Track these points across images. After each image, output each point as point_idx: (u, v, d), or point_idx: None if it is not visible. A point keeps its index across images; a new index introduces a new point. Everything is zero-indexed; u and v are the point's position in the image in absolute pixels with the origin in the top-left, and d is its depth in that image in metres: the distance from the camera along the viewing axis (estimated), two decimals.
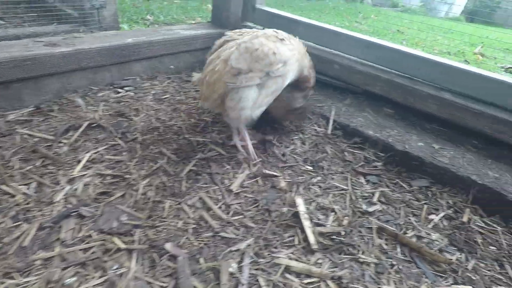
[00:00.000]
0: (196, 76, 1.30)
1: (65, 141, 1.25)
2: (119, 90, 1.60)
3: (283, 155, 1.32)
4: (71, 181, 1.10)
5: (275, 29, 1.24)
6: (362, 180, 1.26)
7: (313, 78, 1.37)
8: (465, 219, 1.11)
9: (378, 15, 6.96)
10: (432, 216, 1.11)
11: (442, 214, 1.12)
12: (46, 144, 1.21)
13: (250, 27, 1.77)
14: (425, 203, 1.17)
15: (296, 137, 1.45)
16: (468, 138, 1.45)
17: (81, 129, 1.29)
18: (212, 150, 1.29)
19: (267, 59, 1.11)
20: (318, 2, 7.15)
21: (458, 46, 4.70)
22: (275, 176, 1.21)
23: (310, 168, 1.28)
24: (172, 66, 1.83)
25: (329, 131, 1.48)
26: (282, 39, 1.18)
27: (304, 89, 1.38)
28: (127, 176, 1.14)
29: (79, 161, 1.17)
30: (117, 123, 1.37)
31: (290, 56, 1.17)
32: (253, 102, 1.15)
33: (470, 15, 10.53)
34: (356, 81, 1.66)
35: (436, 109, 1.45)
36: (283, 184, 1.17)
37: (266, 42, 1.13)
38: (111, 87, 1.62)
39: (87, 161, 1.19)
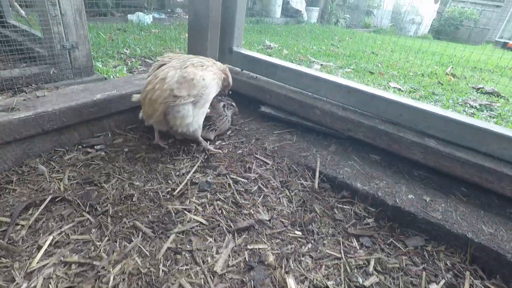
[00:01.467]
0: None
1: (23, 222, 1.10)
2: (89, 150, 1.47)
3: (270, 220, 1.23)
4: (28, 275, 0.95)
5: (200, 57, 1.49)
6: (355, 243, 1.18)
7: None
8: (466, 286, 1.05)
9: (353, 37, 7.21)
10: (432, 286, 1.04)
11: (442, 282, 1.05)
12: (0, 230, 1.06)
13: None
14: (423, 268, 1.10)
15: (283, 195, 1.36)
16: (457, 185, 1.42)
17: (42, 206, 1.15)
18: (192, 221, 1.18)
19: (199, 85, 1.37)
20: (294, 26, 7.33)
21: (430, 67, 4.89)
22: (262, 248, 1.11)
23: (299, 233, 1.19)
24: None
25: (316, 186, 1.41)
26: (206, 67, 1.46)
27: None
28: (96, 262, 1.00)
29: (39, 248, 1.03)
30: (85, 193, 1.24)
31: (212, 79, 1.46)
32: (193, 116, 1.41)
33: (437, 33, 11.20)
34: (339, 127, 1.62)
35: (422, 157, 1.42)
36: (271, 258, 1.07)
37: (196, 71, 1.39)
38: (80, 147, 1.49)
39: (50, 245, 1.04)
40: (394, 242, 1.21)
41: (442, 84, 3.75)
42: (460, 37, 11.12)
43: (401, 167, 1.53)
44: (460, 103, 3.02)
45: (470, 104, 2.99)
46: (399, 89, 3.22)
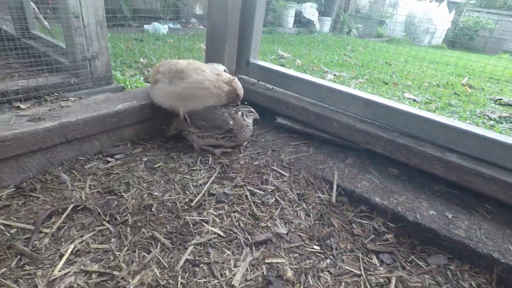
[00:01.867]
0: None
1: (46, 230, 1.12)
2: (109, 159, 1.50)
3: (287, 233, 1.22)
4: (51, 283, 0.96)
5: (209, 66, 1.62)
6: (375, 260, 1.16)
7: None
8: None
9: (365, 47, 7.20)
10: None
11: None
12: (24, 237, 1.09)
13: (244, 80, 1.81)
14: None
15: (300, 208, 1.35)
16: (480, 201, 1.37)
17: (64, 215, 1.18)
18: (210, 232, 1.18)
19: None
20: (306, 36, 7.37)
21: (445, 77, 4.82)
22: (280, 262, 1.10)
23: (318, 248, 1.17)
24: (164, 126, 1.76)
25: (333, 199, 1.39)
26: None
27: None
28: (116, 272, 1.01)
29: (61, 256, 1.05)
30: (106, 202, 1.26)
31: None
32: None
33: (451, 43, 11.06)
34: (357, 139, 1.60)
35: (443, 172, 1.39)
36: (289, 273, 1.05)
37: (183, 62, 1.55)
38: (100, 155, 1.52)
39: (71, 253, 1.06)
40: (415, 259, 1.17)
41: (459, 95, 3.68)
42: (476, 46, 10.95)
43: (421, 181, 1.50)
44: (478, 115, 2.95)
45: (488, 116, 2.93)
46: (414, 100, 3.18)
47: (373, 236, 1.26)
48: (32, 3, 2.91)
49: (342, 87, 1.71)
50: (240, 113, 1.65)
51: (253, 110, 1.70)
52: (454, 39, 11.10)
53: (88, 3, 1.92)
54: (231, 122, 1.58)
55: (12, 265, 1.00)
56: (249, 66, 1.99)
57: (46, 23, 3.43)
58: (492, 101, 3.62)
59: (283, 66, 3.87)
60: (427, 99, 3.30)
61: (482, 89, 4.29)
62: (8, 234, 1.09)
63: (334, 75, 3.80)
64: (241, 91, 1.66)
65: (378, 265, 1.14)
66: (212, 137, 1.60)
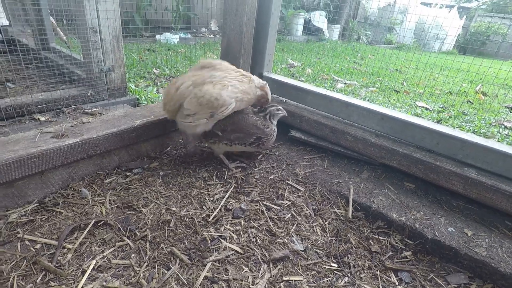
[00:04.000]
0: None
1: (69, 246, 1.15)
2: (127, 173, 1.54)
3: (304, 250, 1.22)
4: None
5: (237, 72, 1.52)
6: (393, 278, 1.15)
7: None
8: None
9: (375, 54, 7.17)
10: None
11: None
12: (48, 252, 1.12)
13: None
14: None
15: (316, 223, 1.35)
16: (500, 218, 1.35)
17: (86, 230, 1.21)
18: (228, 249, 1.19)
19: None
20: (316, 44, 7.40)
21: (457, 84, 4.75)
22: (298, 280, 1.10)
23: (335, 265, 1.17)
24: (181, 140, 1.79)
25: (349, 215, 1.39)
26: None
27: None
28: None
29: (83, 272, 1.07)
30: (125, 218, 1.28)
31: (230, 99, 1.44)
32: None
33: (462, 48, 10.91)
34: (372, 154, 1.60)
35: (462, 188, 1.37)
36: None
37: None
38: (119, 170, 1.55)
39: (93, 269, 1.09)
40: (435, 278, 1.16)
41: (472, 103, 3.62)
42: (488, 52, 10.78)
43: (439, 197, 1.48)
44: (493, 124, 2.90)
45: (504, 125, 2.87)
46: (427, 109, 3.15)
47: (390, 253, 1.25)
48: (50, 17, 3.02)
49: (357, 101, 1.71)
50: (268, 116, 1.63)
51: (280, 107, 1.67)
52: (465, 45, 10.96)
53: (105, 18, 1.99)
54: (262, 130, 1.57)
55: (37, 281, 1.03)
56: (263, 79, 2.01)
57: (64, 36, 3.55)
58: (507, 109, 3.55)
59: (293, 75, 3.89)
60: (440, 107, 3.27)
61: (496, 96, 4.22)
62: (33, 250, 1.12)
63: (345, 83, 3.80)
64: (270, 96, 1.65)
65: (397, 283, 1.13)
66: (240, 144, 1.57)
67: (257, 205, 1.40)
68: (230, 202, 1.41)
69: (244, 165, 1.65)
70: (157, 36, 5.48)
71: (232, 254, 1.18)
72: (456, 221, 1.33)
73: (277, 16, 1.86)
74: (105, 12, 1.99)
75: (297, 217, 1.37)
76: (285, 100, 1.97)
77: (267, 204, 1.42)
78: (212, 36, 6.62)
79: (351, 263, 1.19)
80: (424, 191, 1.52)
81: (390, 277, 1.15)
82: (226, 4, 1.77)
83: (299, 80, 3.64)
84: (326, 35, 8.00)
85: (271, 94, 1.66)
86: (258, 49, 1.93)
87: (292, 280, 1.10)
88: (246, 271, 1.12)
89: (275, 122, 1.66)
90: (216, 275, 1.09)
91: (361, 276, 1.15)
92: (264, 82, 1.62)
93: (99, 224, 1.24)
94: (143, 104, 2.38)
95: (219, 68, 1.50)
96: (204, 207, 1.38)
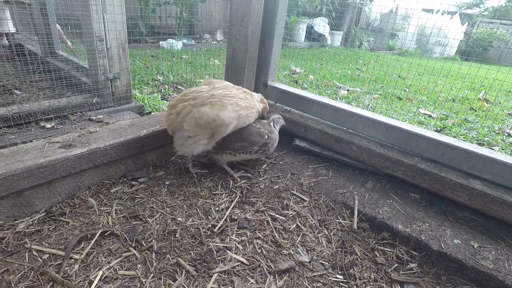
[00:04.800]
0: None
1: (76, 256, 1.16)
2: (133, 182, 1.55)
3: (310, 261, 1.22)
4: None
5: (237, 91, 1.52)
6: None
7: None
8: None
9: (377, 60, 7.19)
10: None
11: None
12: (55, 263, 1.13)
13: None
14: None
15: (321, 234, 1.35)
16: (507, 230, 1.35)
17: (93, 240, 1.21)
18: (233, 260, 1.20)
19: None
20: (318, 50, 7.44)
21: (460, 91, 4.75)
22: None
23: (341, 277, 1.17)
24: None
25: (355, 225, 1.39)
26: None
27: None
28: None
29: (90, 283, 1.07)
30: (132, 228, 1.29)
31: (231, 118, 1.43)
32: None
33: (464, 54, 10.92)
34: (377, 164, 1.60)
35: (468, 199, 1.37)
36: None
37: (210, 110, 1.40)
38: (125, 179, 1.56)
39: (100, 280, 1.09)
40: None
41: (475, 110, 3.62)
42: (490, 58, 10.79)
43: (444, 207, 1.48)
44: (496, 131, 2.90)
45: (507, 133, 2.86)
46: (430, 116, 3.15)
47: (396, 264, 1.25)
48: (57, 24, 3.06)
49: (362, 111, 1.72)
50: (272, 122, 1.67)
51: (281, 116, 1.74)
52: (468, 51, 10.97)
53: (111, 27, 2.01)
54: (266, 136, 1.59)
55: None
56: (267, 88, 2.03)
57: (70, 43, 3.59)
58: (511, 116, 3.54)
59: (296, 82, 3.91)
60: (443, 114, 3.27)
61: (499, 103, 4.22)
62: (41, 260, 1.13)
63: (348, 90, 3.81)
64: (267, 105, 1.71)
65: None
66: (245, 153, 1.59)
67: (262, 215, 1.41)
68: (236, 212, 1.41)
69: (249, 175, 1.66)
70: (161, 42, 5.53)
71: (238, 266, 1.18)
72: (462, 233, 1.32)
73: (281, 26, 1.88)
74: (112, 22, 2.02)
75: (302, 227, 1.37)
76: (290, 109, 1.98)
77: (272, 214, 1.42)
78: (215, 42, 6.67)
79: (356, 275, 1.18)
80: (429, 202, 1.51)
81: None
82: (232, 15, 1.79)
83: (302, 87, 3.66)
84: (328, 41, 8.04)
85: (275, 103, 1.69)
86: (263, 58, 1.95)
87: None
88: (252, 282, 1.12)
89: (278, 129, 1.71)
90: (222, 287, 1.09)
91: None
92: (260, 94, 1.68)
93: (105, 234, 1.25)
94: (147, 111, 2.40)
95: (219, 87, 1.51)
96: (209, 217, 1.39)
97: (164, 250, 1.22)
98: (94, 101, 2.24)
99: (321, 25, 7.84)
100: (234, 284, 1.11)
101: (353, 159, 1.69)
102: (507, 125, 3.11)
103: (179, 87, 3.32)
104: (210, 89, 1.48)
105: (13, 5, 3.22)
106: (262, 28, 1.84)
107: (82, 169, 1.38)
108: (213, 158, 1.67)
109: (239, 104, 1.47)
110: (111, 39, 2.13)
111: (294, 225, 1.38)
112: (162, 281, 1.11)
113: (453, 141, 1.46)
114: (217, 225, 1.33)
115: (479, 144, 2.33)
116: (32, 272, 1.09)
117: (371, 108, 3.02)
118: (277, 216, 1.41)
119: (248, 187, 1.58)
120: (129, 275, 1.12)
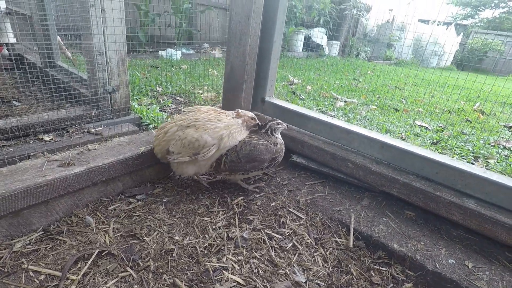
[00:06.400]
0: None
1: (73, 277, 1.16)
2: (131, 200, 1.55)
3: (306, 282, 1.23)
4: None
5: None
6: None
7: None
8: None
9: (374, 71, 7.28)
10: None
11: None
12: (52, 284, 1.13)
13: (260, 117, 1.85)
14: None
15: (317, 253, 1.36)
16: (501, 249, 1.36)
17: (90, 260, 1.22)
18: (230, 280, 1.20)
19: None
20: (316, 60, 7.53)
21: (456, 102, 4.81)
22: None
23: None
24: None
25: (351, 244, 1.40)
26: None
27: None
28: None
29: None
30: (129, 247, 1.29)
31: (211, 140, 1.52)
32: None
33: (460, 64, 11.08)
34: (372, 181, 1.62)
35: (461, 218, 1.39)
36: None
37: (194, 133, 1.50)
38: (123, 196, 1.57)
39: None
40: None
41: (471, 122, 3.66)
42: (485, 68, 10.94)
43: (439, 226, 1.50)
44: (492, 144, 2.93)
45: (503, 145, 2.89)
46: (426, 128, 3.18)
47: (392, 284, 1.26)
48: (57, 35, 3.09)
49: (358, 128, 1.74)
50: (270, 131, 1.65)
51: (280, 121, 1.69)
52: (463, 61, 11.14)
53: (111, 40, 2.04)
54: (274, 151, 1.61)
55: None
56: (265, 104, 2.05)
57: (69, 54, 3.62)
58: (506, 128, 3.58)
59: (294, 93, 3.95)
60: (439, 126, 3.30)
61: (494, 114, 4.27)
62: (37, 281, 1.13)
63: (345, 101, 3.85)
64: (250, 114, 1.70)
65: None
66: (256, 170, 1.62)
67: (259, 234, 1.42)
68: (232, 231, 1.42)
69: (262, 185, 1.74)
70: (160, 52, 5.58)
71: (234, 286, 1.18)
72: (456, 252, 1.34)
73: (279, 44, 1.91)
74: (112, 35, 2.04)
75: (299, 246, 1.38)
76: (287, 125, 2.00)
77: (269, 232, 1.43)
78: (213, 52, 6.73)
79: None
80: (424, 220, 1.53)
81: None
82: (230, 33, 1.82)
83: (300, 98, 3.70)
84: (326, 51, 8.13)
85: (272, 118, 1.71)
86: (261, 75, 1.98)
87: None
88: None
89: (279, 135, 1.68)
90: None
91: None
92: (236, 109, 1.69)
93: (102, 254, 1.25)
94: (145, 123, 2.42)
95: (203, 111, 1.60)
96: (206, 235, 1.39)
97: (161, 270, 1.22)
98: (93, 113, 2.26)
99: (319, 35, 7.95)
100: None
101: (349, 176, 1.71)
102: (503, 137, 3.14)
103: (177, 98, 3.34)
104: (195, 113, 1.58)
105: (14, 16, 3.25)
106: (260, 45, 1.88)
107: (80, 187, 1.39)
108: (227, 179, 1.71)
109: (218, 126, 1.54)
110: (111, 52, 2.15)
111: (291, 243, 1.39)
112: None
113: (447, 159, 1.48)
114: (214, 244, 1.34)
115: (474, 157, 2.36)
116: None
117: (368, 119, 3.05)
118: (274, 234, 1.42)
119: (245, 204, 1.59)
120: None
